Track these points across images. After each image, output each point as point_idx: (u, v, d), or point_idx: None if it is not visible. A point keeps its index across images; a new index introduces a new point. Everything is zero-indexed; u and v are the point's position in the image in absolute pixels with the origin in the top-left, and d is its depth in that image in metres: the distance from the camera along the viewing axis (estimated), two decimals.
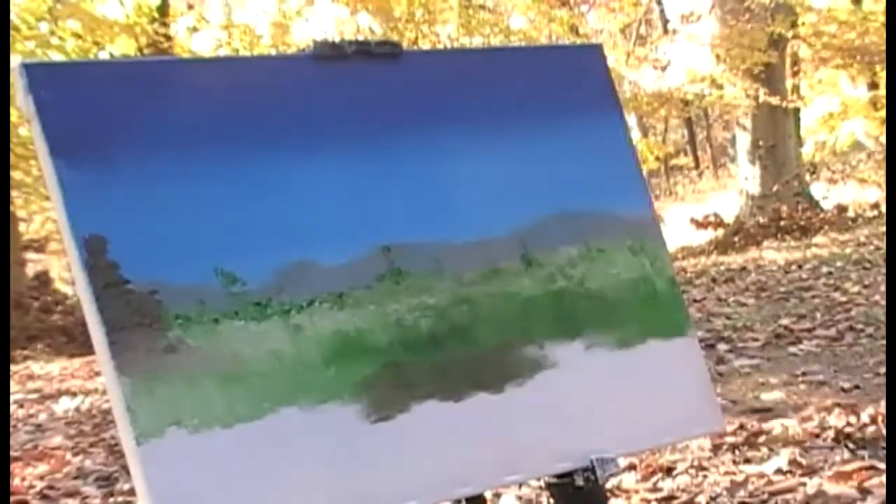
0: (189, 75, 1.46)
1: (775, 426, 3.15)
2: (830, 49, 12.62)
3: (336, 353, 1.38)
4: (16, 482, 3.58)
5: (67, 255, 1.30)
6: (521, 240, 1.55)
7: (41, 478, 3.66)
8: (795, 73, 13.40)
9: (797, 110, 13.18)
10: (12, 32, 8.16)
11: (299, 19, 11.26)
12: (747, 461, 2.86)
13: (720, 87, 12.65)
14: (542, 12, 12.35)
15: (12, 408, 5.44)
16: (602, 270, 1.60)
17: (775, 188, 11.81)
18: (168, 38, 10.35)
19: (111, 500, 3.31)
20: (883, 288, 5.87)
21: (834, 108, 14.63)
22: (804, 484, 2.57)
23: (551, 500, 1.59)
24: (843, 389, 3.70)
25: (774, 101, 11.53)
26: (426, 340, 1.44)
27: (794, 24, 12.13)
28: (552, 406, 1.50)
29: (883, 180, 12.40)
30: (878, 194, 12.40)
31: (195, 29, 11.20)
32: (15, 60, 1.32)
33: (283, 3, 11.17)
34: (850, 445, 2.86)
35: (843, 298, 5.90)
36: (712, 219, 12.26)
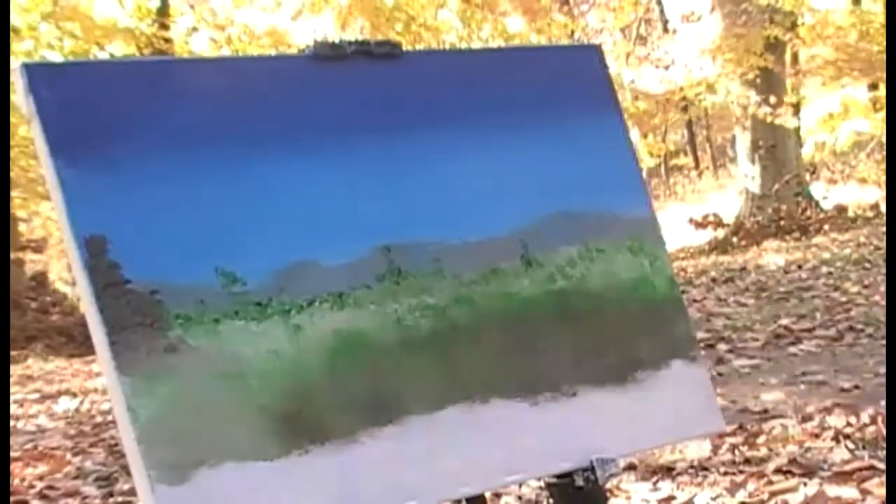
0: (189, 75, 1.46)
1: (775, 426, 3.15)
2: (832, 55, 12.61)
3: (336, 352, 1.38)
4: (16, 482, 3.59)
5: (68, 255, 1.30)
6: (521, 240, 1.55)
7: (41, 478, 3.66)
8: (795, 74, 13.39)
9: (797, 110, 13.17)
10: (12, 33, 8.15)
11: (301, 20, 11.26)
12: (747, 461, 2.86)
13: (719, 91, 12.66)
14: (542, 9, 12.35)
15: (12, 408, 5.44)
16: (601, 270, 1.60)
17: (775, 188, 11.81)
18: (167, 40, 10.35)
19: (111, 500, 3.31)
20: (883, 288, 5.87)
21: (834, 108, 14.63)
22: (804, 484, 2.57)
23: (551, 500, 1.59)
24: (842, 389, 3.71)
25: (771, 112, 11.51)
26: (426, 340, 1.44)
27: (793, 26, 12.12)
28: (552, 406, 1.50)
29: (883, 180, 12.40)
30: (878, 194, 12.41)
31: (195, 29, 11.20)
32: (15, 61, 1.32)
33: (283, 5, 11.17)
34: (850, 445, 2.86)
35: (843, 298, 5.90)
36: (712, 219, 12.26)
